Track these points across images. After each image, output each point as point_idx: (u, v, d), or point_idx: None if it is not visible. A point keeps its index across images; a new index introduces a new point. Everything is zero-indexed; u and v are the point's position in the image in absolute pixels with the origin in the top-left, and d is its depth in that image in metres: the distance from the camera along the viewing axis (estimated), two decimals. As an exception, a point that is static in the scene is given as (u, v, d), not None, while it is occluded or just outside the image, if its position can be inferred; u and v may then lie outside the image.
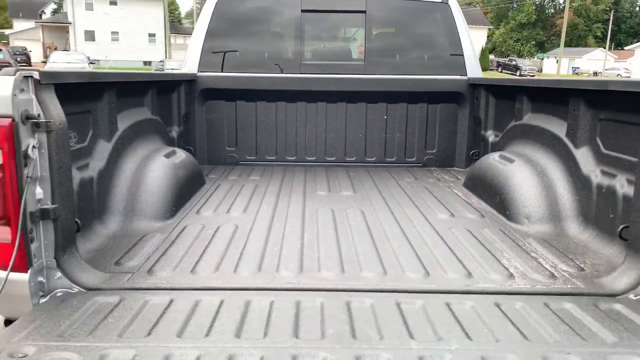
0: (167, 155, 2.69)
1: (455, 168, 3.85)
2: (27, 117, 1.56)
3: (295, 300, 1.63)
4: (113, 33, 47.08)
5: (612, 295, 1.72)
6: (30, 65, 44.57)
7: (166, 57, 35.39)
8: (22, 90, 1.56)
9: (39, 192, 1.63)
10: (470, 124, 3.79)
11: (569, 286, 1.79)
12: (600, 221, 2.16)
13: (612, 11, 73.39)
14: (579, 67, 69.09)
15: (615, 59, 70.05)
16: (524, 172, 2.58)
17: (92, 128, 2.21)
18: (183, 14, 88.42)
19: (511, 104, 3.16)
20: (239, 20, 3.82)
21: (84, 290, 1.69)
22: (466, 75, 3.78)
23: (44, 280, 1.67)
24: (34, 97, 1.60)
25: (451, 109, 3.83)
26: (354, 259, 2.00)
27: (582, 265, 1.97)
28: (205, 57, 3.75)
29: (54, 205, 1.65)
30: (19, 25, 59.10)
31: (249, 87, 3.76)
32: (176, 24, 60.16)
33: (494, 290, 1.75)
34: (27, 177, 1.57)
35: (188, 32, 55.86)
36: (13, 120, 1.52)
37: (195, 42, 3.77)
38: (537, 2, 79.98)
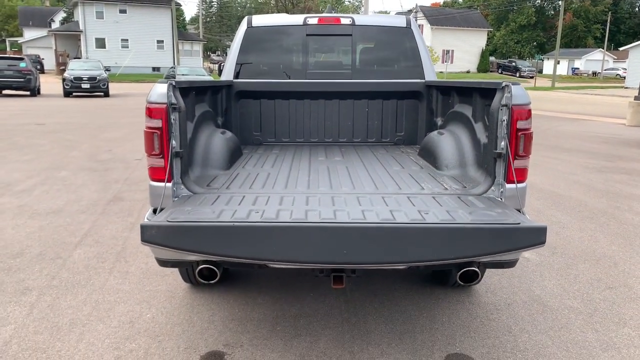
0: (222, 133, 4.24)
1: (417, 145, 5.37)
2: (171, 104, 3.11)
3: (306, 197, 3.17)
4: (123, 40, 48.92)
5: (472, 195, 3.25)
6: (43, 73, 46.52)
7: (175, 64, 37.06)
8: (168, 90, 3.11)
9: (174, 143, 3.16)
10: (427, 114, 5.30)
11: (451, 192, 3.32)
12: (484, 165, 3.68)
13: (611, 12, 74.73)
14: (578, 68, 70.46)
15: (614, 60, 71.39)
16: (447, 140, 4.11)
17: (184, 113, 3.76)
18: (188, 19, 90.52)
19: (449, 98, 4.69)
20: (261, 42, 5.37)
21: (196, 194, 3.23)
22: (424, 78, 5.30)
23: (175, 189, 3.21)
24: (172, 94, 3.15)
25: (413, 103, 5.36)
26: (338, 183, 3.55)
27: (465, 186, 3.50)
28: (238, 68, 5.32)
29: (181, 150, 3.19)
30: (29, 33, 60.95)
31: (269, 89, 5.30)
32: (181, 30, 61.76)
33: (409, 193, 3.29)
34: (171, 133, 3.12)
35: (194, 39, 57.65)
36: (167, 105, 3.07)
37: (231, 58, 5.32)
38: (537, 5, 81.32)
